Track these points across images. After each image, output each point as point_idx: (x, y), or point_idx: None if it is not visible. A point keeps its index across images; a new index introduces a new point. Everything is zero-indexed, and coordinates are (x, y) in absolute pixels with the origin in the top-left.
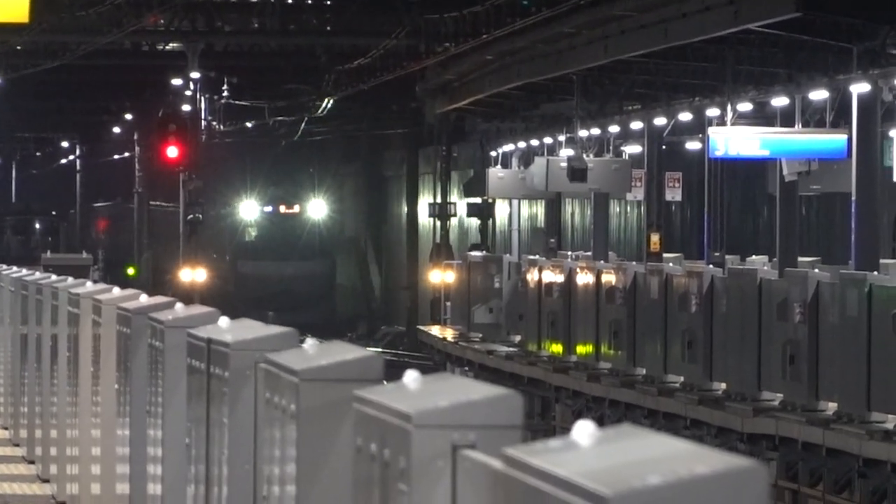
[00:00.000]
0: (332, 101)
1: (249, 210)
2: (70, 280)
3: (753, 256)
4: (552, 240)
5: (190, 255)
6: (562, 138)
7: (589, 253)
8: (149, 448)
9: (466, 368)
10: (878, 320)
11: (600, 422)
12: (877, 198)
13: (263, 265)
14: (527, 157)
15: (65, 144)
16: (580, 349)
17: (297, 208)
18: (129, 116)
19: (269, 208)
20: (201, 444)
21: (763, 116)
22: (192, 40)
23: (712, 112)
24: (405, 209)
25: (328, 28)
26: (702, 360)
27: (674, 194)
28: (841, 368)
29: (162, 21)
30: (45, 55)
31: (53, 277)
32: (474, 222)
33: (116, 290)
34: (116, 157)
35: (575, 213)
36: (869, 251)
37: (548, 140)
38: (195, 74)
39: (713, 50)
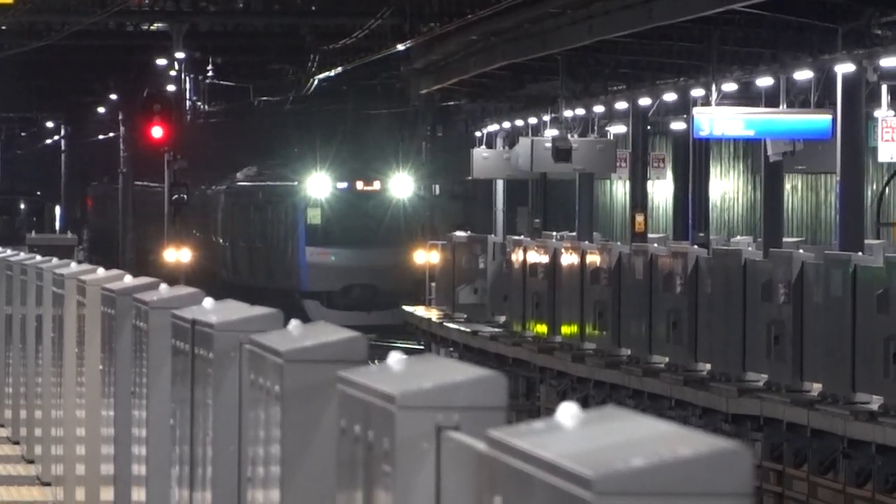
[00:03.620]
0: (316, 81)
1: (319, 186)
2: (55, 260)
3: (738, 237)
4: (537, 220)
5: (174, 235)
6: (546, 118)
7: (574, 233)
8: (133, 429)
9: (451, 349)
10: (863, 301)
11: (585, 402)
12: (862, 178)
13: (337, 254)
14: (511, 138)
15: (49, 125)
16: (565, 330)
17: (377, 184)
18: (113, 96)
19: (343, 184)
20: (186, 425)
21: (748, 97)
22: (177, 20)
23: (697, 92)
24: None
25: (312, 8)
26: (686, 341)
27: (659, 174)
28: (825, 349)
29: (146, 1)
30: (28, 35)
31: (38, 258)
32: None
33: (101, 271)
34: (102, 137)
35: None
36: (853, 231)
37: (532, 120)
38: (180, 55)
39: (698, 30)
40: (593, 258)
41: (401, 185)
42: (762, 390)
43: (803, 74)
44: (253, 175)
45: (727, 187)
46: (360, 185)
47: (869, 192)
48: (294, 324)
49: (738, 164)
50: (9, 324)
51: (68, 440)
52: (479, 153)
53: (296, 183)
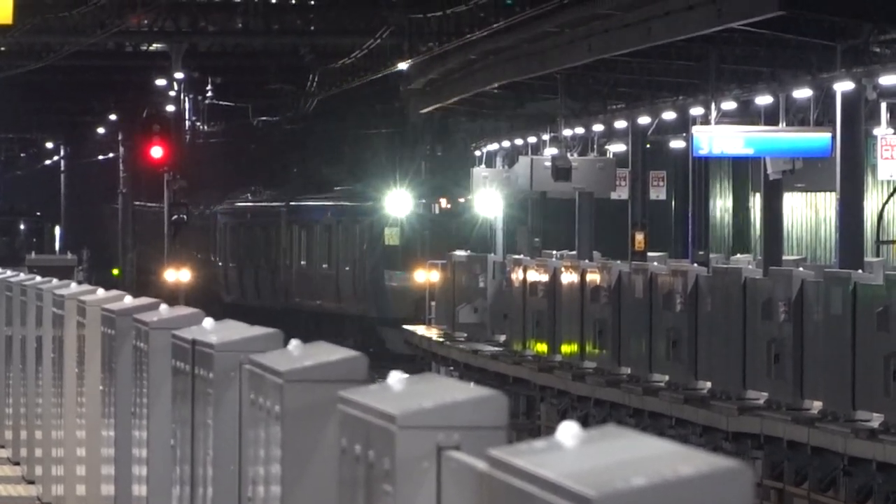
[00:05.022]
0: (315, 101)
1: (399, 205)
2: (55, 281)
3: (738, 255)
4: (536, 239)
5: (175, 255)
6: (546, 137)
7: (574, 252)
8: (134, 449)
9: (451, 368)
10: (863, 319)
11: (585, 421)
12: (861, 196)
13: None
14: (511, 157)
15: (49, 145)
16: (565, 348)
17: (462, 202)
18: (113, 117)
19: (423, 201)
20: (186, 445)
21: (747, 115)
22: (176, 41)
23: (696, 111)
24: None
25: (312, 28)
26: (687, 359)
27: (658, 193)
28: (826, 367)
29: (145, 21)
30: (28, 56)
31: (38, 279)
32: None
33: (101, 292)
34: (101, 157)
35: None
36: (853, 249)
37: (532, 139)
38: (179, 75)
39: (697, 48)
40: (593, 277)
41: (486, 202)
42: (762, 408)
43: (802, 92)
44: (317, 192)
45: (726, 205)
46: (443, 202)
47: (868, 210)
48: (294, 343)
49: (733, 183)
50: (9, 345)
51: (69, 461)
52: (479, 172)
53: (373, 201)
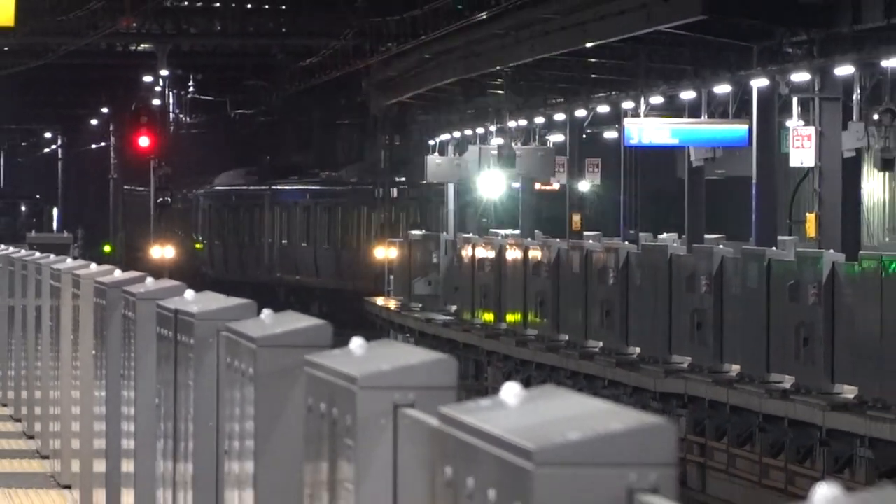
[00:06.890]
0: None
1: (492, 185)
2: (52, 257)
3: (664, 234)
4: (484, 219)
5: (160, 234)
6: (493, 128)
7: (517, 231)
8: (123, 407)
9: (408, 335)
10: (776, 291)
11: (527, 383)
12: (775, 181)
13: None
14: (461, 146)
15: (48, 135)
16: (510, 318)
17: (556, 184)
18: (105, 110)
19: (518, 184)
20: (170, 403)
21: (673, 108)
22: (162, 42)
23: (627, 104)
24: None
25: (283, 30)
26: (618, 328)
27: (593, 178)
28: (743, 334)
29: (134, 24)
30: (28, 55)
31: (37, 254)
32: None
33: (94, 266)
34: (95, 146)
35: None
36: (768, 229)
37: (480, 130)
38: (164, 72)
39: (628, 49)
40: (535, 253)
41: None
42: (686, 371)
43: (722, 88)
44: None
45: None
46: (537, 184)
47: (781, 194)
48: (266, 313)
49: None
50: (11, 314)
51: (65, 418)
52: (433, 160)
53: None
